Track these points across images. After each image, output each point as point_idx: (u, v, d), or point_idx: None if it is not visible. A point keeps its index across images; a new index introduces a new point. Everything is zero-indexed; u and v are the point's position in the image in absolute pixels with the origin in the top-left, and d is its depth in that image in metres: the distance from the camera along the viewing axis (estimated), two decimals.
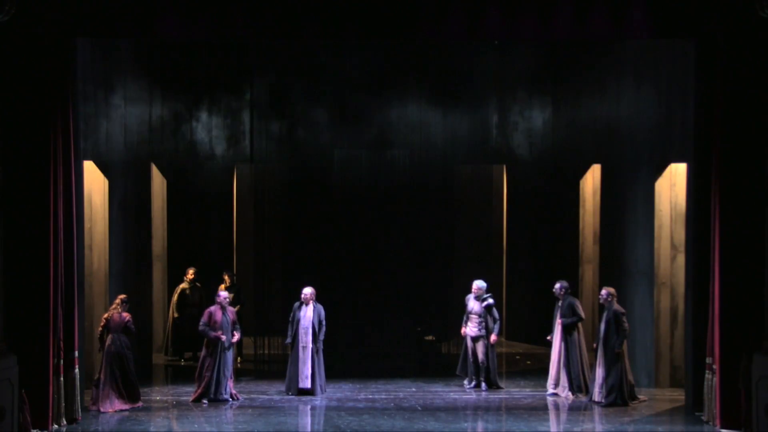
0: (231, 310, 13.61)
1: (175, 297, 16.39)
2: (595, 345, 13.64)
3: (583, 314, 13.99)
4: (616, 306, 13.37)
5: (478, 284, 14.30)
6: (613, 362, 13.24)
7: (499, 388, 14.26)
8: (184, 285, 16.36)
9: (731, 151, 11.94)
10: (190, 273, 16.33)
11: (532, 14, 12.41)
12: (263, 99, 16.86)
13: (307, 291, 13.90)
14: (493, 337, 14.19)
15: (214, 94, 17.21)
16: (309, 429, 12.30)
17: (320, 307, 13.88)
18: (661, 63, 14.22)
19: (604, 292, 13.56)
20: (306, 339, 13.74)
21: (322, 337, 13.82)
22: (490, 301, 14.22)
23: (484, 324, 14.18)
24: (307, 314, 13.79)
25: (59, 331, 11.88)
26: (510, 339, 18.60)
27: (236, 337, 13.59)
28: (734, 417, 11.81)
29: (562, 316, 13.87)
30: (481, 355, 14.22)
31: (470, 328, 14.26)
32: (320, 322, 13.81)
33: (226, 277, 16.36)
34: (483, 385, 14.21)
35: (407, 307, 16.14)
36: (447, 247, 17.52)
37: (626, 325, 13.28)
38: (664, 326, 14.48)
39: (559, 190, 17.67)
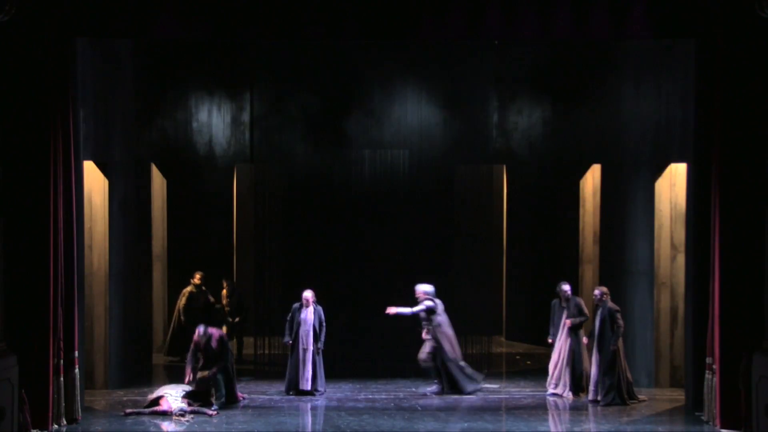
0: (215, 338, 13.37)
1: (183, 300, 16.25)
2: (587, 342, 13.64)
3: (588, 313, 14.01)
4: (611, 304, 13.39)
5: (418, 289, 14.15)
6: (610, 361, 13.25)
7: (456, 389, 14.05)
8: (191, 288, 16.26)
9: (731, 151, 11.94)
10: (197, 277, 16.21)
11: (532, 14, 12.41)
12: (263, 99, 16.86)
13: (308, 294, 13.91)
14: (424, 334, 14.09)
15: (214, 94, 17.21)
16: (309, 429, 12.31)
17: (320, 309, 13.91)
18: (661, 63, 14.21)
19: (597, 291, 13.58)
20: (307, 341, 13.75)
21: (323, 338, 13.84)
22: (424, 304, 14.02)
23: (427, 327, 14.07)
24: (308, 317, 13.80)
25: (59, 331, 11.88)
26: (510, 339, 18.60)
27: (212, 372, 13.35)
28: (734, 417, 11.81)
29: (570, 317, 13.84)
30: (423, 355, 14.09)
31: (423, 333, 14.21)
32: (321, 324, 13.83)
33: (225, 284, 16.33)
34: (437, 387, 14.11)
35: (407, 307, 16.07)
36: (447, 247, 17.50)
37: (621, 321, 13.29)
38: (664, 326, 14.48)
39: (559, 190, 17.67)
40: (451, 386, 14.05)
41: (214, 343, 13.13)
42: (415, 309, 14.07)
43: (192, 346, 13.19)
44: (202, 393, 13.11)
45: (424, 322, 14.11)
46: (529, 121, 17.51)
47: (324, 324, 13.87)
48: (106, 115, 14.19)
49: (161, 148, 16.81)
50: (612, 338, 13.23)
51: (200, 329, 13.15)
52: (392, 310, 14.02)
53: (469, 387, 14.08)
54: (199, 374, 13.14)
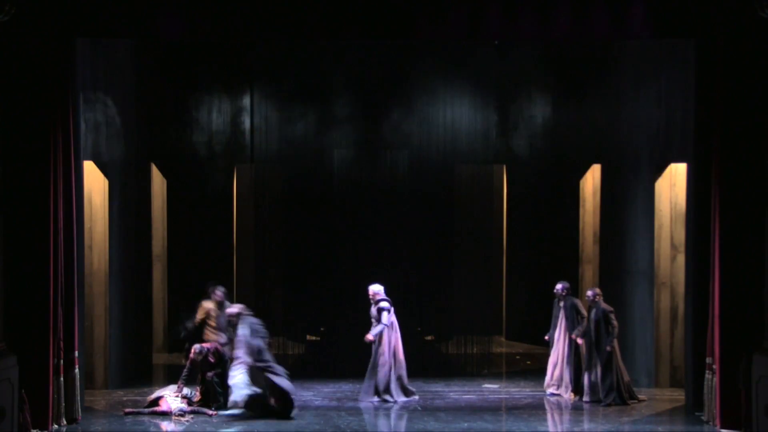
0: (210, 352, 13.17)
1: (201, 315, 15.67)
2: (582, 342, 13.64)
3: (585, 313, 14.00)
4: (604, 305, 13.38)
5: (371, 289, 13.84)
6: (607, 362, 13.25)
7: (385, 395, 13.61)
8: (212, 305, 15.91)
9: (731, 151, 11.93)
10: (218, 294, 15.59)
11: (532, 14, 12.40)
12: (263, 99, 16.87)
13: (232, 310, 13.09)
14: (368, 336, 13.66)
15: (214, 94, 17.22)
16: (309, 429, 12.29)
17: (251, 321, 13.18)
18: (661, 63, 14.22)
19: (590, 292, 13.57)
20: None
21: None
22: (381, 305, 13.72)
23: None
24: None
25: (59, 331, 11.87)
26: (510, 339, 18.61)
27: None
28: (734, 417, 11.80)
29: (566, 318, 13.82)
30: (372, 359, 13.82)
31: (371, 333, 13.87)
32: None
33: (209, 289, 15.70)
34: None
35: (407, 307, 16.14)
36: (447, 247, 17.52)
37: (615, 322, 13.28)
38: (664, 326, 14.48)
39: (559, 190, 17.67)
40: (376, 391, 13.63)
41: (211, 357, 13.15)
42: (385, 319, 13.62)
43: (188, 364, 13.18)
44: (201, 397, 13.15)
45: (375, 322, 13.77)
46: (529, 121, 17.52)
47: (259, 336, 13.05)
48: (107, 115, 14.20)
49: (161, 148, 16.81)
50: (608, 339, 13.22)
51: (196, 348, 13.13)
52: (370, 336, 13.60)
53: (401, 399, 13.62)
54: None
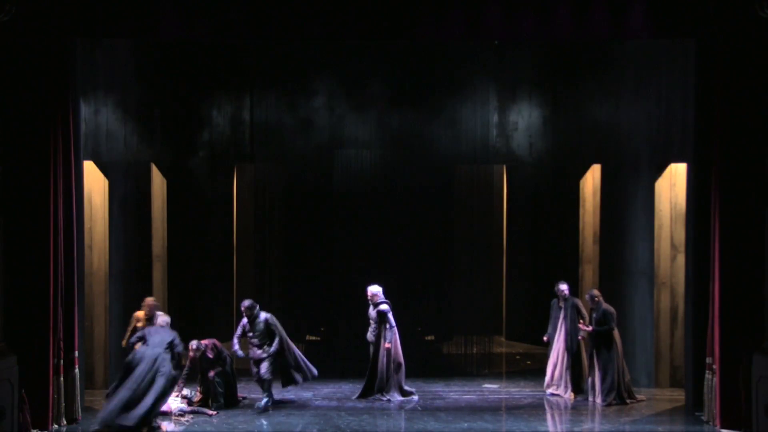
0: (209, 348, 13.15)
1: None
2: (581, 337, 13.66)
3: (586, 314, 14.00)
4: (605, 305, 13.38)
5: (370, 290, 13.86)
6: (608, 362, 13.26)
7: (385, 393, 13.72)
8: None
9: (731, 151, 11.94)
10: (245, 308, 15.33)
11: (532, 14, 12.42)
12: (263, 99, 16.86)
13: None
14: (385, 344, 13.68)
15: (214, 94, 17.20)
16: (309, 429, 12.31)
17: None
18: (661, 63, 14.22)
19: (588, 296, 13.57)
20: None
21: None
22: (381, 307, 13.73)
23: (376, 330, 13.79)
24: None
25: (59, 331, 11.89)
26: (510, 339, 18.61)
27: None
28: (734, 417, 11.82)
29: (566, 318, 13.82)
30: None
31: (368, 334, 13.95)
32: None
33: (146, 303, 14.13)
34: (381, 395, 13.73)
35: (407, 307, 16.15)
36: (447, 247, 17.51)
37: (613, 324, 13.26)
38: (664, 326, 14.49)
39: (559, 190, 17.67)
40: (380, 387, 13.74)
41: (209, 353, 13.15)
42: (392, 320, 13.66)
43: (188, 362, 13.17)
44: (201, 396, 13.14)
45: (374, 324, 13.79)
46: (529, 121, 17.52)
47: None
48: (107, 115, 14.20)
49: (161, 147, 16.80)
50: (594, 329, 13.24)
51: (193, 345, 13.11)
52: (387, 344, 13.63)
53: (397, 398, 13.67)
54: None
